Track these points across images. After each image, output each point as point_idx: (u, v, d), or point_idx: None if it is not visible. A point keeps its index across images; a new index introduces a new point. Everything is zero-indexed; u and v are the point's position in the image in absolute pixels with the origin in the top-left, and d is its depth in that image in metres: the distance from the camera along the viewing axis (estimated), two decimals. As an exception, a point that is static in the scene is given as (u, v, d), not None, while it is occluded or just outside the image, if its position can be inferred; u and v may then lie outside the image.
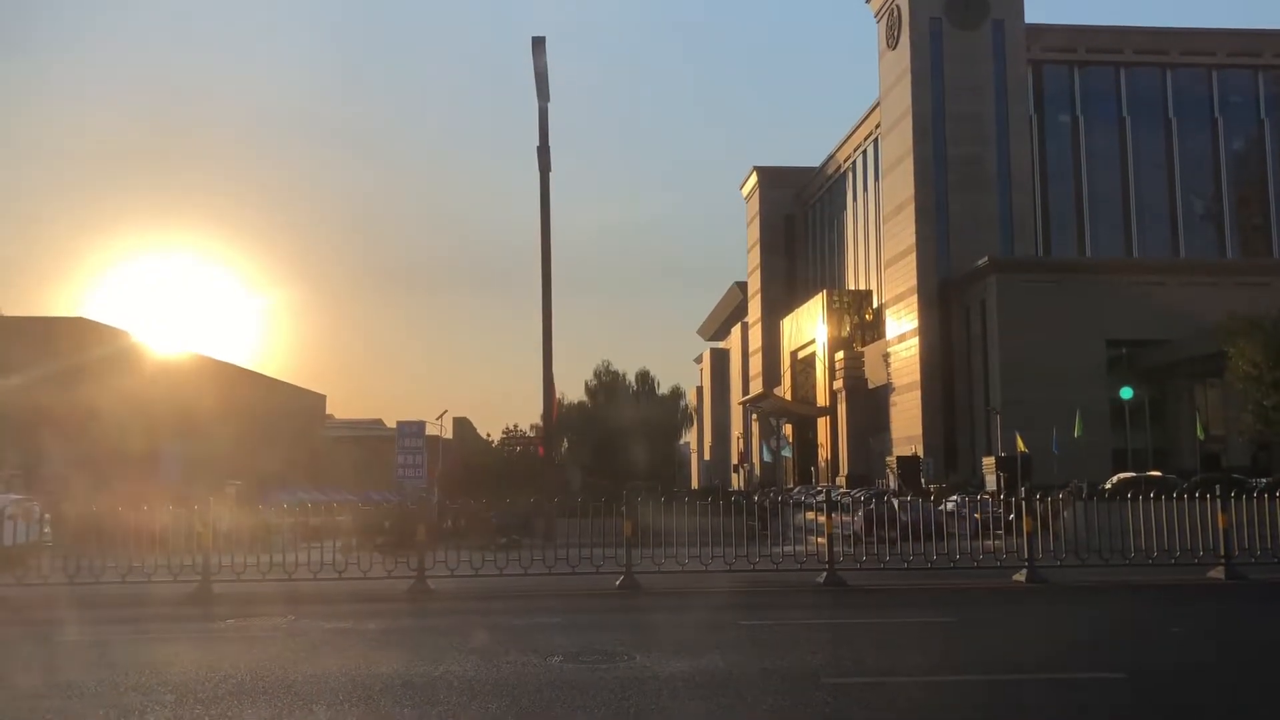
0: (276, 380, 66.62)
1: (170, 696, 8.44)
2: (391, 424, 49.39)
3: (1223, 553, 16.37)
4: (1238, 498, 17.25)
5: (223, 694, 8.51)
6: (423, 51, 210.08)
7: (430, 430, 46.33)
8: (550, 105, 31.64)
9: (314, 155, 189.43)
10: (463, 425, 67.38)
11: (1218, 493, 16.77)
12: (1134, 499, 17.67)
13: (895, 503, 23.57)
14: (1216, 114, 71.49)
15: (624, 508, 17.21)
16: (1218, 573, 16.25)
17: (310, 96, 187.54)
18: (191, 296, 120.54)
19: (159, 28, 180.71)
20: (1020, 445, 46.36)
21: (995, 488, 40.56)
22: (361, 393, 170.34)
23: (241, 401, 51.09)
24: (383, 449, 53.64)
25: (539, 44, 30.96)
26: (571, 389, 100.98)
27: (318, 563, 16.93)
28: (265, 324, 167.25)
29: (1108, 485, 35.13)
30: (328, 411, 79.28)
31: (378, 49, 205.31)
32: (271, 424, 55.95)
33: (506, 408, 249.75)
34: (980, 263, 61.20)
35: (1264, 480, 32.34)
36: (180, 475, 36.70)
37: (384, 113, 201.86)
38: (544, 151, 31.25)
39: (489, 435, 65.49)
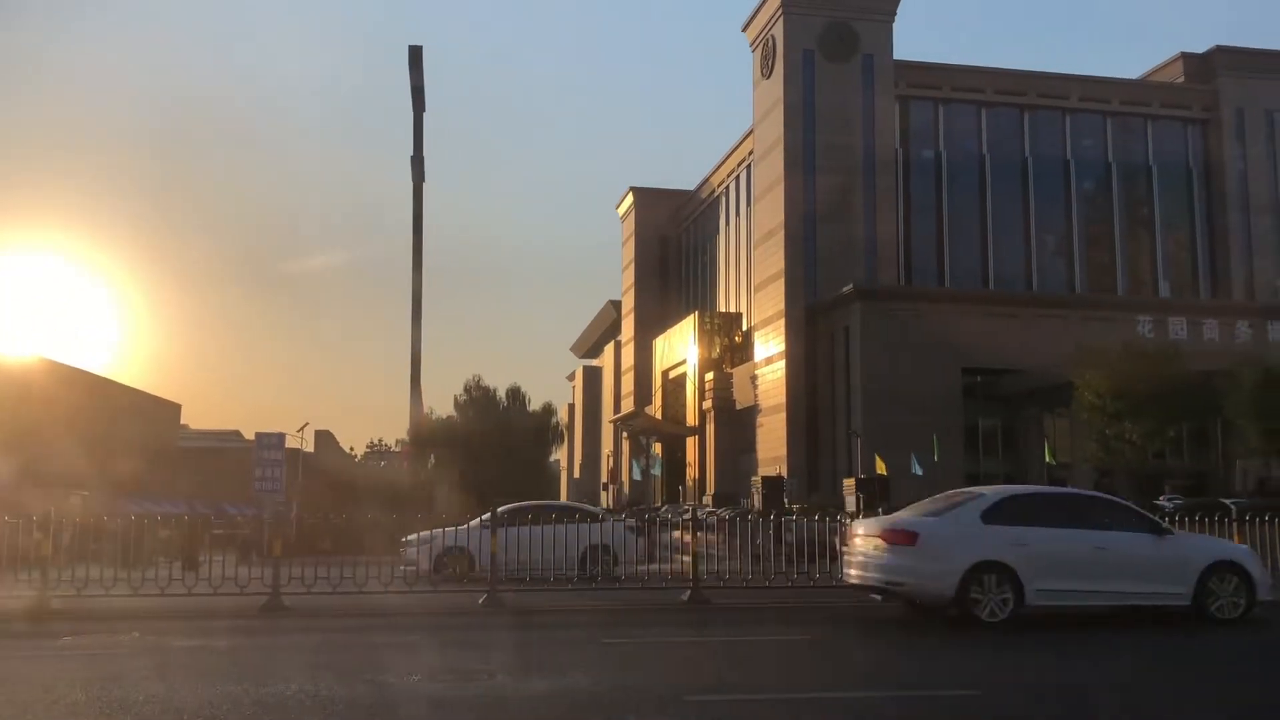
0: (127, 387, 63.80)
1: (-3, 719, 7.93)
2: (251, 436, 47.73)
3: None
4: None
5: (56, 715, 8.04)
6: (299, 49, 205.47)
7: (291, 443, 45.02)
8: (428, 115, 31.32)
9: (182, 150, 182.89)
10: (325, 438, 65.82)
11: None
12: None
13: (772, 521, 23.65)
14: (1069, 155, 74.98)
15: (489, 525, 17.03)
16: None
17: (179, 83, 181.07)
18: (41, 297, 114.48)
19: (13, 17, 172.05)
20: (880, 467, 47.63)
21: (854, 508, 41.51)
22: (221, 404, 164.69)
23: (89, 409, 48.73)
24: (241, 461, 51.80)
25: (416, 54, 30.58)
26: (440, 403, 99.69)
27: (165, 577, 16.24)
28: (120, 331, 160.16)
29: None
30: (184, 422, 76.30)
31: (251, 38, 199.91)
32: (121, 433, 53.53)
33: (372, 421, 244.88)
34: (845, 290, 62.79)
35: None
36: (15, 484, 34.71)
37: (255, 111, 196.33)
38: (418, 162, 30.87)
39: (352, 449, 64.14)
